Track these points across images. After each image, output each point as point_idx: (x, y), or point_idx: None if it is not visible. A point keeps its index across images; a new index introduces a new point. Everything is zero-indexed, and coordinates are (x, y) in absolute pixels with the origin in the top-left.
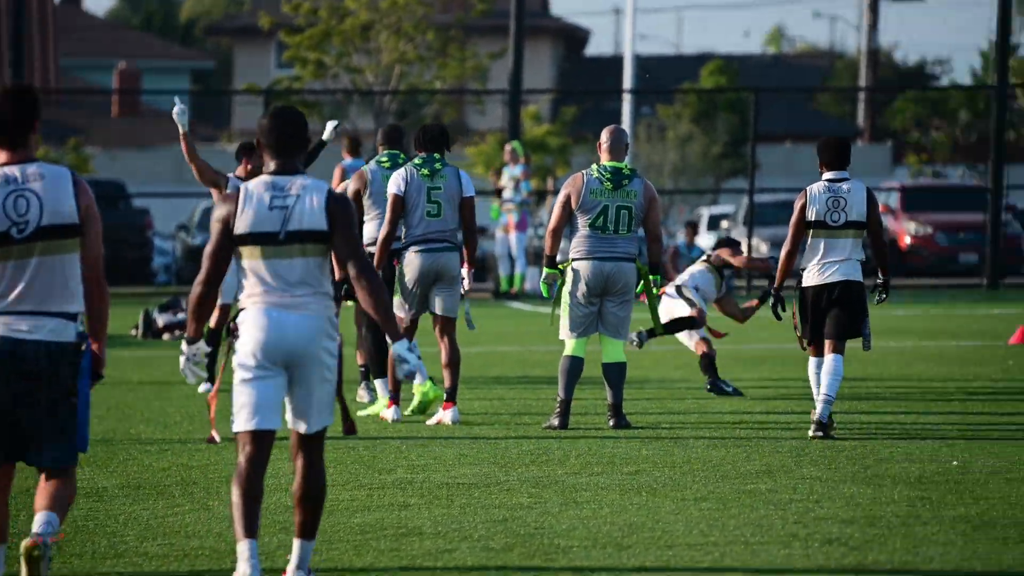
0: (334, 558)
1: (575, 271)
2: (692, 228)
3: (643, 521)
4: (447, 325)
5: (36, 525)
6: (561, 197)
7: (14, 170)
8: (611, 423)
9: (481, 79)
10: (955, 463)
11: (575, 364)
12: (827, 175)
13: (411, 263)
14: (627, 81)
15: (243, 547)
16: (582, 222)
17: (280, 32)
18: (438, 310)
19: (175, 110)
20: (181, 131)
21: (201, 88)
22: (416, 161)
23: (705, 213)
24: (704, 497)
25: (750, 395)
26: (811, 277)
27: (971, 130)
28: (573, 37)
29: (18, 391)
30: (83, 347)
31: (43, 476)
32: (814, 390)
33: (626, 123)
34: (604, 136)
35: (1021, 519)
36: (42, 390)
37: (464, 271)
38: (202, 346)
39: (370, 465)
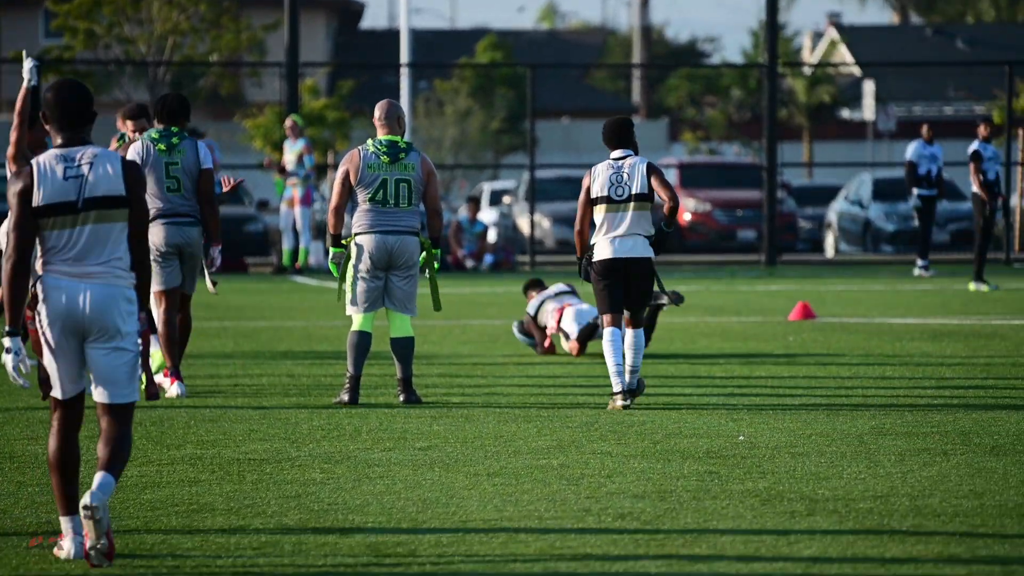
0: (124, 535)
1: (359, 246)
2: (474, 203)
3: (437, 497)
4: (183, 301)
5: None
6: (340, 174)
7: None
8: (401, 398)
9: (257, 51)
10: (741, 438)
11: (363, 339)
12: (613, 153)
13: (155, 236)
14: (404, 55)
15: (66, 524)
16: (362, 197)
17: (47, 1)
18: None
19: (28, 65)
20: (27, 86)
21: None
22: (153, 134)
23: (486, 188)
24: (497, 472)
25: (540, 372)
26: (602, 251)
27: (744, 108)
28: (348, 10)
29: None
30: None
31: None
32: (609, 359)
33: (404, 97)
34: (378, 111)
35: (807, 493)
36: None
37: (214, 250)
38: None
39: (158, 441)
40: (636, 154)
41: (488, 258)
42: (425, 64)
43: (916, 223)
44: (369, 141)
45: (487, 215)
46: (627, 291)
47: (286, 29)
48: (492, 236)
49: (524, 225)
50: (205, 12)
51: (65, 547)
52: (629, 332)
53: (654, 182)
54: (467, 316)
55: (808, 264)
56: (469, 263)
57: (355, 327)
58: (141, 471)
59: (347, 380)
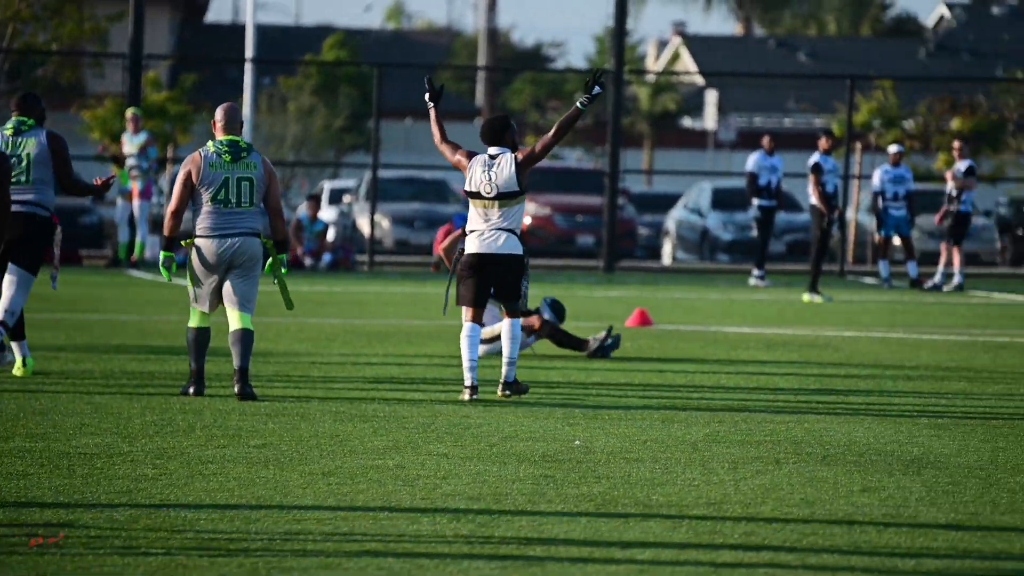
0: None
1: (198, 248)
2: (314, 201)
3: (271, 495)
4: None
5: None
6: (181, 176)
7: None
8: (236, 388)
9: (100, 42)
10: (577, 442)
11: (201, 335)
12: (489, 150)
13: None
14: (248, 50)
15: None
16: (205, 197)
17: None
18: None
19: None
20: None
21: None
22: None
23: (327, 187)
24: (332, 472)
25: (377, 372)
26: (470, 246)
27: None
28: (192, 4)
29: None
30: None
31: None
32: (465, 353)
33: (247, 93)
34: (219, 114)
35: (641, 499)
36: None
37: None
38: None
39: None
40: (512, 152)
41: (327, 257)
42: (269, 60)
43: (754, 233)
44: (210, 143)
45: (327, 214)
46: (496, 286)
47: (130, 20)
48: (331, 235)
49: (364, 225)
50: (47, 0)
51: None
52: (506, 322)
53: (524, 160)
54: (304, 315)
55: (646, 271)
56: (308, 261)
57: (193, 324)
58: None
59: (192, 374)
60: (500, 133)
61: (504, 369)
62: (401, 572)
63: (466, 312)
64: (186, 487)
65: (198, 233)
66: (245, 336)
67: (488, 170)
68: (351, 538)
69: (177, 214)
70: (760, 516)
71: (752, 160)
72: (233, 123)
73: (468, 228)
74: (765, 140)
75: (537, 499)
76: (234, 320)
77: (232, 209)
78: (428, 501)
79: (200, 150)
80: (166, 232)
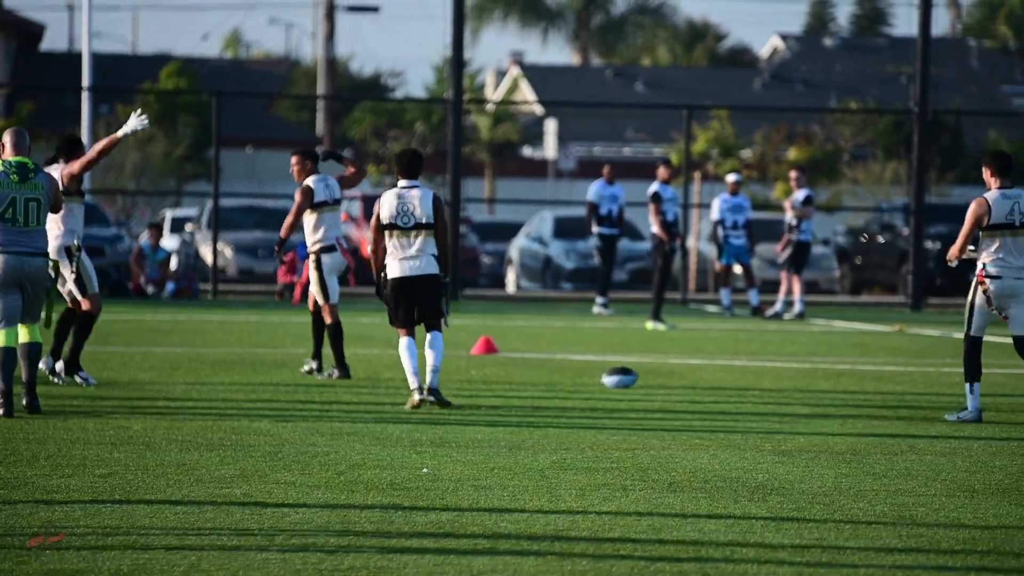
0: None
1: None
2: (156, 229)
3: (117, 524)
4: None
5: None
6: None
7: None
8: (24, 402)
9: None
10: (425, 470)
11: (7, 354)
12: (401, 183)
13: None
14: (85, 78)
15: None
16: None
17: None
18: None
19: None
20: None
21: None
22: None
23: (168, 215)
24: (180, 501)
25: (223, 398)
26: (392, 271)
27: (427, 142)
28: (27, 31)
29: None
30: None
31: None
32: (406, 365)
33: (85, 120)
34: (8, 137)
35: (489, 525)
36: None
37: None
38: None
39: None
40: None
41: (170, 286)
42: (107, 89)
43: (596, 261)
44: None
45: (169, 242)
46: (419, 304)
47: None
48: (174, 263)
49: (207, 253)
50: None
51: None
52: (428, 335)
53: (437, 214)
54: (148, 343)
55: (490, 299)
56: (151, 290)
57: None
58: None
59: (0, 396)
60: (417, 167)
61: (430, 377)
62: None
63: (401, 331)
64: (31, 517)
65: None
66: (36, 349)
67: (403, 202)
68: (198, 568)
69: None
70: (607, 542)
71: (593, 189)
72: (22, 145)
73: (389, 258)
74: (605, 169)
75: (386, 527)
76: (25, 333)
77: (19, 228)
78: (277, 530)
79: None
80: None
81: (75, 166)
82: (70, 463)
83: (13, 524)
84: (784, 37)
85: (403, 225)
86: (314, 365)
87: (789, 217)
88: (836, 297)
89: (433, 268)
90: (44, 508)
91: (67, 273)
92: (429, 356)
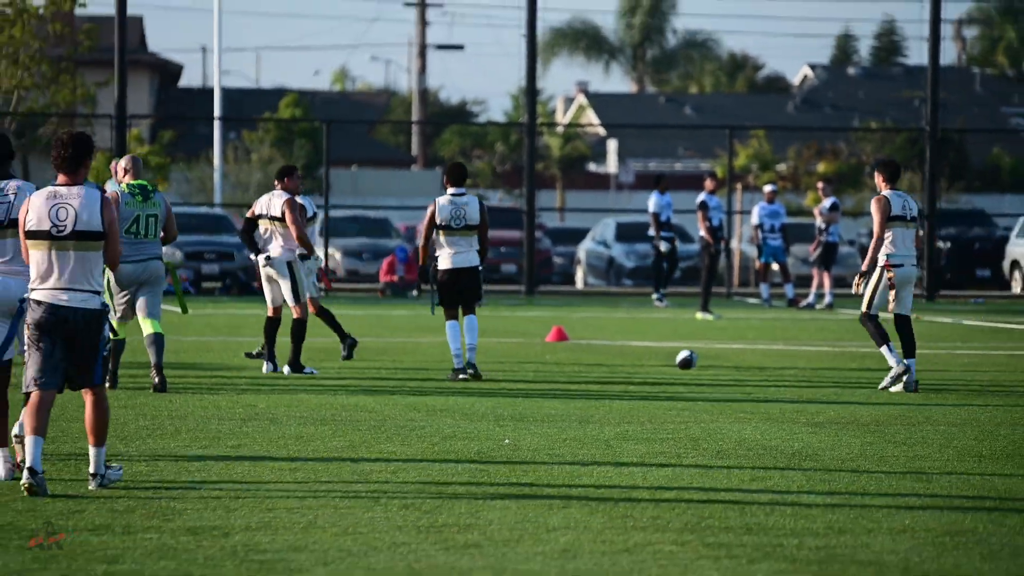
0: None
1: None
2: None
3: (246, 487)
4: None
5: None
6: None
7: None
8: (156, 380)
9: (90, 104)
10: (507, 441)
11: (156, 339)
12: (451, 191)
13: None
14: (217, 109)
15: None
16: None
17: None
18: None
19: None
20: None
21: None
22: None
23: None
24: (298, 468)
25: (331, 382)
26: (444, 263)
27: (506, 160)
28: (167, 70)
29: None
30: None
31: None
32: (451, 343)
33: (216, 146)
34: (126, 164)
35: (562, 488)
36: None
37: None
38: None
39: None
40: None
41: None
42: (234, 118)
43: (653, 261)
44: (123, 184)
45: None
46: (463, 291)
47: (115, 86)
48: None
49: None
50: (45, 71)
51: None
52: (466, 318)
53: (482, 217)
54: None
55: (561, 294)
56: None
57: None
58: None
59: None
60: (464, 176)
61: (468, 354)
62: (357, 554)
63: (447, 312)
64: (174, 481)
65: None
66: (157, 339)
67: (455, 207)
68: (315, 525)
69: None
70: (664, 502)
71: (654, 201)
72: (137, 170)
73: (440, 252)
74: (660, 183)
75: (473, 489)
76: (147, 327)
77: (140, 240)
78: (380, 492)
79: (116, 190)
80: None
81: (292, 227)
82: (207, 435)
83: (160, 488)
84: (813, 67)
85: (455, 226)
86: (344, 352)
87: (818, 222)
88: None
89: (476, 261)
90: (185, 474)
91: (284, 282)
92: (468, 336)
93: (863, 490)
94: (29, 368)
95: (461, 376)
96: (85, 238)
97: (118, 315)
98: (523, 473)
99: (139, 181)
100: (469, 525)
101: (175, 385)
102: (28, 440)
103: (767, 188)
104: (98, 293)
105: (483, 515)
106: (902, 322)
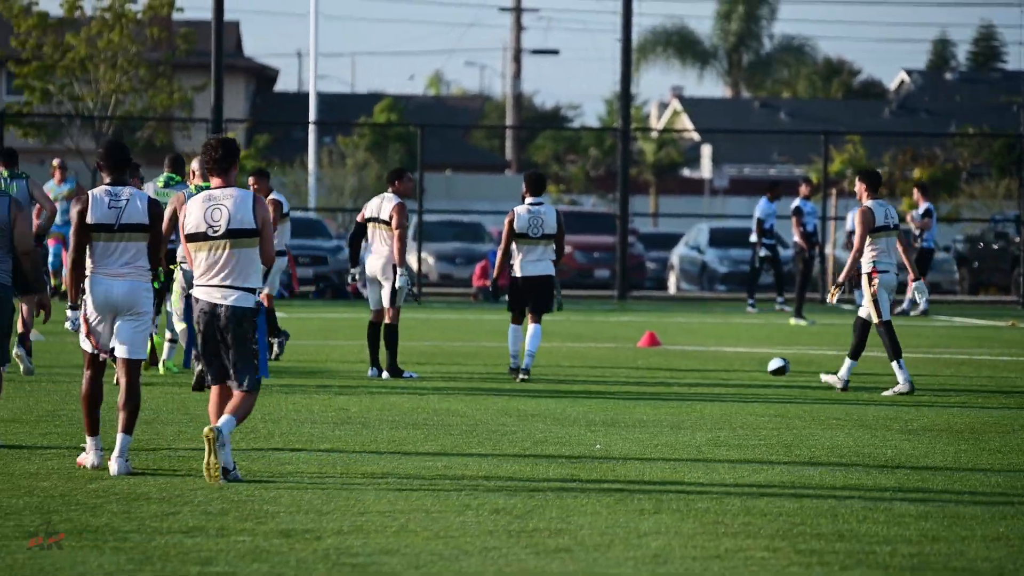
0: (73, 518)
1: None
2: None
3: (339, 492)
4: None
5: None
6: (169, 212)
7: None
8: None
9: (187, 108)
10: (598, 446)
11: None
12: (529, 200)
13: None
14: (312, 114)
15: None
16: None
17: (8, 63)
18: None
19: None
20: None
21: None
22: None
23: None
24: (390, 472)
25: (424, 385)
26: (520, 269)
27: (600, 165)
28: (263, 75)
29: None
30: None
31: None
32: (511, 346)
33: (311, 150)
34: (195, 166)
35: (653, 494)
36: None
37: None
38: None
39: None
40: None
41: None
42: (329, 122)
43: (759, 266)
44: (192, 186)
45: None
46: (533, 299)
47: (212, 90)
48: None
49: (412, 261)
50: (143, 75)
51: (88, 459)
52: (531, 326)
53: (559, 226)
54: (362, 337)
55: (654, 299)
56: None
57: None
58: (78, 461)
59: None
60: (543, 186)
61: (526, 360)
62: (449, 558)
63: (513, 317)
64: (266, 486)
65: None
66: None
67: (534, 216)
68: (407, 528)
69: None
70: (756, 508)
71: (761, 207)
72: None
73: (515, 260)
74: (771, 191)
75: (564, 494)
76: None
77: None
78: (472, 496)
79: (183, 191)
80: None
81: (395, 231)
82: (299, 438)
83: (252, 491)
84: (910, 72)
85: (533, 235)
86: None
87: (913, 228)
88: (956, 296)
89: (550, 270)
90: (279, 478)
91: (386, 284)
92: (529, 343)
93: (957, 498)
94: (201, 364)
95: (516, 378)
96: (239, 236)
97: (182, 314)
98: (614, 478)
99: (207, 183)
100: (560, 530)
101: (268, 387)
102: None
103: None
104: (252, 291)
105: (574, 520)
106: (863, 325)
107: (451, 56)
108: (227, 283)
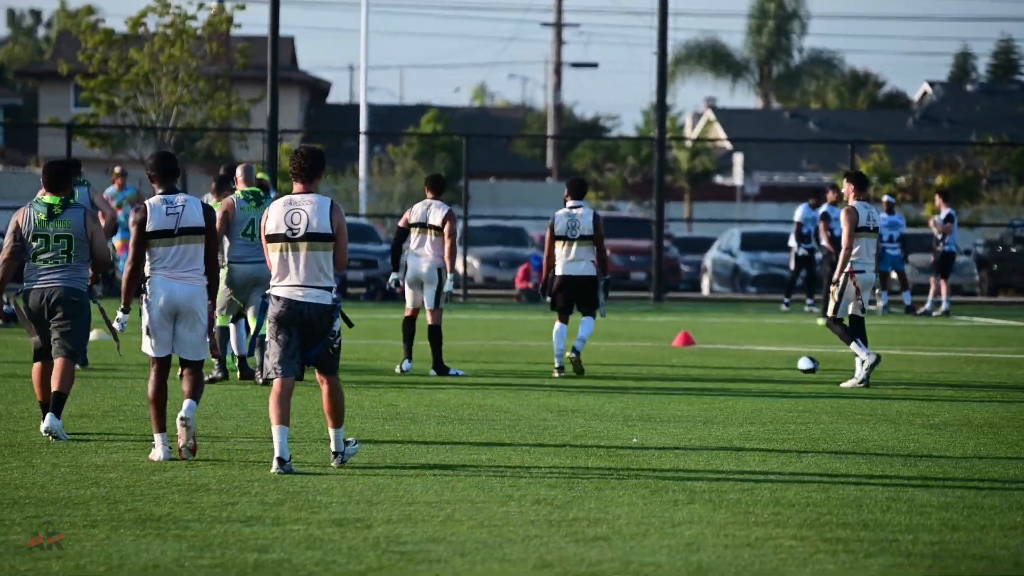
0: (137, 507)
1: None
2: None
3: (388, 483)
4: None
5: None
6: (220, 214)
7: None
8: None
9: (244, 119)
10: (635, 440)
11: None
12: (569, 203)
13: None
14: (363, 124)
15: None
16: (236, 231)
17: (77, 76)
18: None
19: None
20: None
21: (11, 121)
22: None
23: None
24: (438, 464)
25: (469, 382)
26: (561, 269)
27: (637, 172)
28: (316, 87)
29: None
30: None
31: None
32: (555, 345)
33: (362, 159)
34: (239, 173)
35: (687, 485)
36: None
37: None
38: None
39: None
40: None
41: None
42: (379, 132)
43: (791, 267)
44: (239, 192)
45: None
46: (577, 297)
47: (268, 102)
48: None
49: (458, 265)
50: (203, 88)
51: (157, 454)
52: (583, 318)
53: (596, 228)
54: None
55: (688, 301)
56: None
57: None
58: (149, 456)
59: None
60: (583, 190)
61: (578, 344)
62: (492, 545)
63: (559, 315)
64: (319, 477)
65: (230, 260)
66: (263, 340)
67: (571, 218)
68: (453, 518)
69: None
70: (785, 499)
71: (800, 212)
72: (250, 178)
73: (557, 261)
74: (813, 199)
75: (602, 486)
76: (256, 326)
77: (257, 243)
78: (515, 488)
79: (231, 197)
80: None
81: (449, 238)
82: (350, 433)
83: (305, 482)
84: (932, 83)
85: (571, 236)
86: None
87: (936, 232)
88: (976, 298)
89: (591, 271)
90: (331, 470)
91: (430, 287)
92: (581, 329)
93: (976, 489)
94: (270, 357)
95: (558, 372)
96: (316, 239)
97: (222, 309)
98: (650, 470)
99: (251, 188)
100: (598, 519)
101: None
102: (274, 430)
103: (886, 199)
104: (330, 289)
105: (611, 510)
106: (857, 322)
107: (495, 69)
108: (306, 283)
